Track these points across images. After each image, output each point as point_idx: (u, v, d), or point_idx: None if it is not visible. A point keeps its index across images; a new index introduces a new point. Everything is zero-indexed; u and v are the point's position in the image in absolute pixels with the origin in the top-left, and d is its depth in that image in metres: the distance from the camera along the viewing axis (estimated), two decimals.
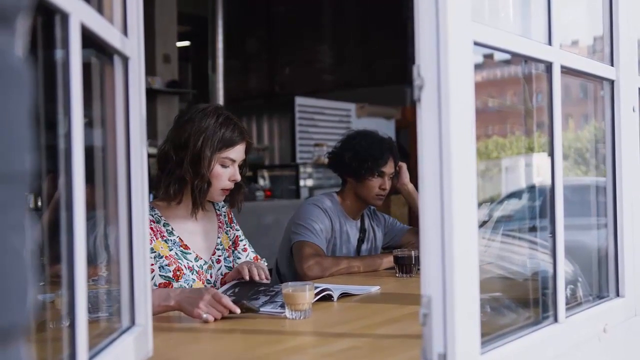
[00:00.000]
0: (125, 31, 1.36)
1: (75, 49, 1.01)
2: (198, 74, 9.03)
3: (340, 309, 2.12)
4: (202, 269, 2.31)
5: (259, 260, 2.52)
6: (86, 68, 1.08)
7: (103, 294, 1.52)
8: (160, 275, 2.21)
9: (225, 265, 2.41)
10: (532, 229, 1.93)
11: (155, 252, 2.21)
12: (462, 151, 1.17)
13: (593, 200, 2.03)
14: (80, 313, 1.02)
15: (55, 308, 1.51)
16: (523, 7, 1.85)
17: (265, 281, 2.22)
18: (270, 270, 3.15)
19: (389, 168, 3.00)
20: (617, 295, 1.84)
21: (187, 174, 2.23)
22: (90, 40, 1.13)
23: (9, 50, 0.54)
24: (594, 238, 1.99)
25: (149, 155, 1.54)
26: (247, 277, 2.19)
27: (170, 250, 2.26)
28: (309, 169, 7.53)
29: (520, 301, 1.74)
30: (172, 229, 2.30)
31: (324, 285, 2.21)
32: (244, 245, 2.52)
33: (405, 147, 7.22)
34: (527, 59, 1.62)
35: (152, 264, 2.19)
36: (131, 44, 1.38)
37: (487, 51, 1.37)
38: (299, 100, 8.04)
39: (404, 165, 3.13)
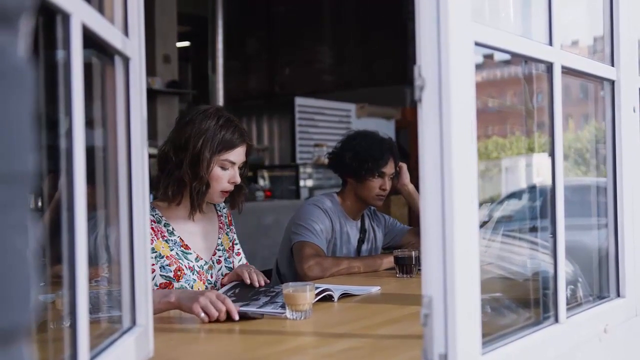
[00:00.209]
0: (126, 31, 1.36)
1: (77, 49, 1.01)
2: (198, 75, 9.04)
3: (341, 309, 2.12)
4: (202, 269, 2.31)
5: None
6: (87, 68, 1.08)
7: (104, 295, 1.52)
8: (160, 275, 2.21)
9: (225, 266, 2.41)
10: (532, 229, 1.94)
11: (156, 252, 2.21)
12: (463, 151, 1.18)
13: (593, 200, 2.03)
14: (82, 313, 1.02)
15: (56, 308, 1.51)
16: (523, 8, 1.85)
17: (262, 284, 2.23)
18: (270, 271, 3.17)
19: (389, 168, 3.00)
20: (618, 295, 1.84)
21: (186, 175, 2.23)
22: (91, 40, 1.13)
23: (12, 51, 0.54)
24: (594, 238, 1.99)
25: (149, 156, 1.54)
26: (248, 281, 2.20)
27: (171, 250, 2.26)
28: (309, 169, 7.53)
29: (521, 301, 1.74)
30: (172, 229, 2.30)
31: (325, 286, 2.22)
32: (238, 249, 2.52)
33: (405, 148, 7.23)
34: (527, 60, 1.62)
35: (153, 264, 2.19)
36: (132, 45, 1.38)
37: (487, 51, 1.37)
38: (299, 101, 8.04)
39: (404, 166, 3.13)
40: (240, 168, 2.33)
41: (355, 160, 2.97)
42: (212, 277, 2.35)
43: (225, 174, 2.28)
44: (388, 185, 3.01)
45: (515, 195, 2.95)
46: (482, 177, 1.24)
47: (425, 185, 1.17)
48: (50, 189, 1.23)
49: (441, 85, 1.15)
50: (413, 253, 2.70)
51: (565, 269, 1.55)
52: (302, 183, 7.41)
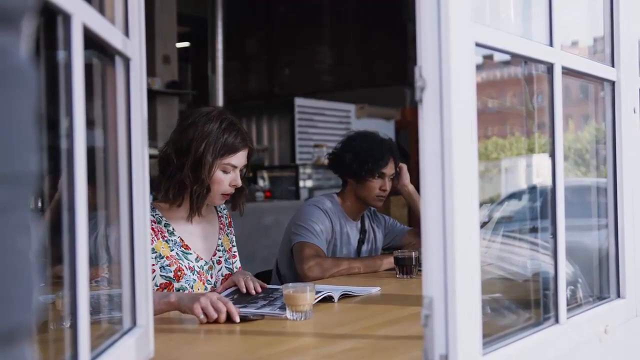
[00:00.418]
0: (126, 32, 1.36)
1: (78, 49, 1.01)
2: (198, 75, 9.04)
3: (341, 310, 2.12)
4: (202, 269, 2.31)
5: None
6: (88, 69, 1.08)
7: (104, 295, 1.52)
8: (161, 275, 2.21)
9: (225, 267, 2.41)
10: (532, 230, 1.94)
11: (156, 252, 2.21)
12: (464, 152, 1.18)
13: (593, 201, 2.03)
14: (82, 314, 1.02)
15: (56, 309, 1.51)
16: (524, 8, 1.85)
17: (259, 291, 2.22)
18: (269, 271, 3.17)
19: (389, 169, 3.00)
20: (618, 296, 1.84)
21: (187, 178, 2.23)
22: (91, 41, 1.13)
23: (14, 51, 0.54)
24: (594, 239, 1.99)
25: (149, 156, 1.54)
26: (244, 290, 2.19)
27: (171, 250, 2.26)
28: (309, 170, 7.53)
29: (521, 302, 1.74)
30: (173, 229, 2.30)
31: (324, 287, 2.21)
32: (234, 252, 2.52)
33: (404, 148, 7.23)
34: (528, 60, 1.62)
35: (153, 264, 2.19)
36: (132, 45, 1.38)
37: (486, 52, 1.37)
38: (299, 101, 8.04)
39: (404, 166, 3.12)
40: (240, 170, 2.33)
41: (355, 160, 2.97)
42: (212, 277, 2.35)
43: (226, 177, 2.28)
44: (388, 185, 3.01)
45: (514, 195, 2.95)
46: (482, 178, 1.24)
47: (426, 186, 1.17)
48: (50, 189, 1.23)
49: (442, 86, 1.15)
50: (413, 254, 2.70)
51: (565, 269, 1.55)
52: (301, 184, 7.41)
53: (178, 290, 2.21)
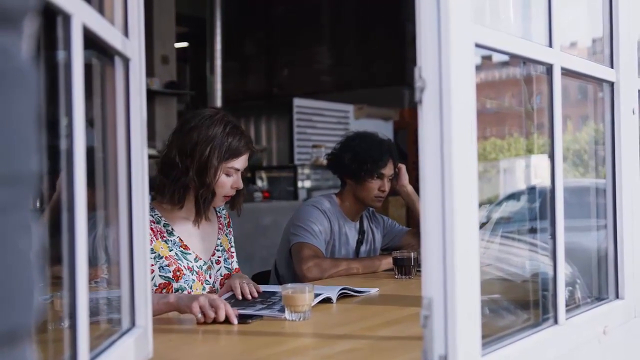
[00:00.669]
0: (126, 32, 1.36)
1: (77, 50, 1.01)
2: (196, 75, 9.04)
3: (340, 310, 2.12)
4: (201, 269, 2.31)
5: (240, 273, 2.51)
6: (87, 69, 1.08)
7: (103, 296, 1.52)
8: (160, 275, 2.21)
9: (224, 267, 2.41)
10: (531, 231, 1.94)
11: (155, 252, 2.21)
12: (464, 153, 1.18)
13: (591, 202, 2.03)
14: (82, 315, 1.02)
15: (54, 309, 1.51)
16: (523, 9, 1.85)
17: (255, 296, 2.20)
18: (268, 272, 3.17)
19: (388, 170, 3.00)
20: (617, 297, 1.84)
21: (192, 182, 2.23)
22: (91, 41, 1.13)
23: (16, 52, 0.54)
24: (592, 240, 1.99)
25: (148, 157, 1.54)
26: (240, 297, 2.16)
27: (170, 250, 2.25)
28: (307, 170, 7.53)
29: (520, 303, 1.74)
30: (172, 229, 2.30)
31: (324, 289, 2.21)
32: (232, 252, 2.51)
33: (403, 149, 7.23)
34: (527, 61, 1.62)
35: (152, 265, 2.19)
36: (132, 45, 1.38)
37: (485, 53, 1.37)
38: (297, 102, 8.04)
39: (403, 167, 3.12)
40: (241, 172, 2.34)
41: (354, 161, 2.97)
42: (210, 277, 2.35)
43: (229, 180, 2.29)
44: (387, 186, 3.01)
45: (513, 196, 2.95)
46: (480, 179, 1.24)
47: (426, 187, 1.17)
48: (48, 189, 1.22)
49: (442, 87, 1.15)
50: (412, 254, 2.70)
51: (564, 270, 1.55)
52: (300, 184, 7.41)
53: (177, 290, 2.21)
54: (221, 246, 2.43)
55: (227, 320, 1.88)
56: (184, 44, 9.71)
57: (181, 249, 2.28)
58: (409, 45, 8.40)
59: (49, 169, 1.04)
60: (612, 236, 1.86)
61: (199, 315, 1.86)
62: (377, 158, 2.96)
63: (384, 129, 7.04)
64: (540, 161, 1.78)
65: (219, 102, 7.50)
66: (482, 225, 1.99)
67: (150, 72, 7.25)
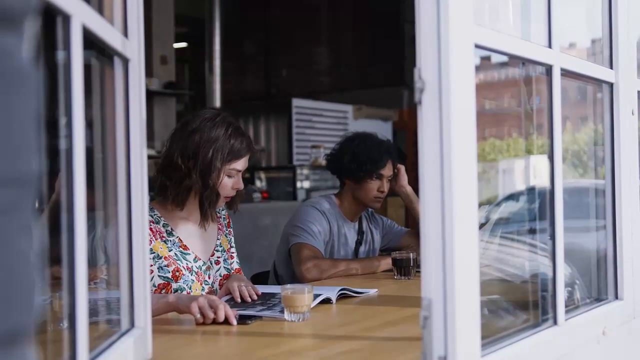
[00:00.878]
0: (125, 33, 1.36)
1: (77, 50, 1.00)
2: (195, 76, 9.03)
3: (339, 311, 2.12)
4: (200, 269, 2.31)
5: (241, 273, 2.50)
6: (86, 69, 1.08)
7: (102, 297, 1.51)
8: (159, 276, 2.21)
9: (224, 267, 2.41)
10: (530, 231, 1.94)
11: (154, 252, 2.21)
12: (463, 154, 1.18)
13: (590, 202, 2.03)
14: (81, 315, 1.02)
15: (52, 310, 1.51)
16: (523, 10, 1.85)
17: (255, 298, 2.19)
18: (267, 272, 3.17)
19: (387, 170, 3.00)
20: (616, 298, 1.84)
21: (196, 185, 2.24)
22: (90, 41, 1.12)
23: (17, 52, 0.54)
24: (591, 241, 1.99)
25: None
26: (239, 300, 2.14)
27: (170, 250, 2.25)
28: (306, 171, 7.52)
29: (519, 304, 1.74)
30: (171, 229, 2.30)
31: (323, 290, 2.21)
32: (232, 252, 2.51)
33: (402, 150, 7.21)
34: (527, 62, 1.62)
35: (151, 265, 2.19)
36: (131, 46, 1.37)
37: (484, 53, 1.37)
38: (296, 102, 8.03)
39: (402, 168, 3.12)
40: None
41: (353, 162, 2.97)
42: (209, 278, 2.34)
43: (230, 181, 2.30)
44: (386, 187, 3.01)
45: (512, 197, 2.96)
46: (479, 179, 1.24)
47: (425, 188, 1.17)
48: (47, 190, 1.22)
49: (441, 88, 1.15)
50: (411, 255, 2.70)
51: (563, 271, 1.55)
52: (299, 184, 7.40)
53: (176, 290, 2.21)
54: (221, 246, 2.43)
55: (226, 321, 1.88)
56: (183, 45, 9.71)
57: (180, 249, 2.28)
58: (408, 45, 8.41)
59: (49, 169, 1.04)
60: (612, 237, 1.86)
61: (198, 316, 1.86)
62: (376, 159, 2.96)
63: (382, 130, 7.04)
64: (538, 162, 1.79)
65: (217, 103, 7.49)
66: (481, 226, 2.00)
67: (149, 72, 7.24)
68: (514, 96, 2.00)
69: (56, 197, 1.12)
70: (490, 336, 1.32)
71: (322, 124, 8.13)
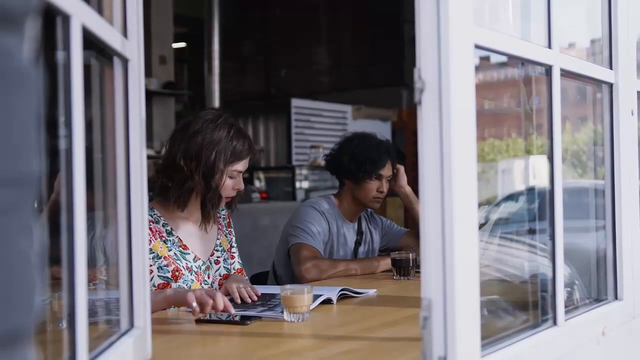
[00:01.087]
0: (125, 33, 1.36)
1: (77, 50, 1.00)
2: (194, 76, 9.03)
3: (339, 311, 2.12)
4: (200, 269, 2.31)
5: (243, 273, 2.50)
6: (86, 70, 1.07)
7: (101, 297, 1.51)
8: (158, 275, 2.21)
9: (224, 267, 2.41)
10: (529, 232, 1.94)
11: (153, 252, 2.21)
12: (463, 154, 1.17)
13: (589, 202, 2.03)
14: (81, 315, 1.01)
15: (52, 310, 1.51)
16: (523, 10, 1.85)
17: (255, 299, 2.18)
18: (266, 273, 3.17)
19: (386, 171, 3.00)
20: (616, 298, 1.84)
21: (199, 186, 2.24)
22: (90, 42, 1.12)
23: (18, 53, 0.54)
24: (591, 241, 1.99)
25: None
26: (239, 301, 2.13)
27: (169, 250, 2.26)
28: (305, 171, 7.52)
29: (519, 304, 1.74)
30: (171, 229, 2.30)
31: (323, 290, 2.21)
32: (233, 253, 2.51)
33: (401, 150, 7.21)
34: (527, 62, 1.62)
35: (151, 265, 2.19)
36: (131, 46, 1.37)
37: (483, 53, 1.36)
38: (295, 102, 8.03)
39: (401, 168, 3.12)
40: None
41: (352, 162, 2.97)
42: (209, 277, 2.35)
43: (232, 182, 2.31)
44: (385, 187, 3.01)
45: (512, 197, 2.95)
46: (479, 179, 1.24)
47: (425, 188, 1.17)
48: (46, 190, 1.22)
49: (441, 88, 1.15)
50: (410, 255, 2.70)
51: (562, 271, 1.55)
52: (298, 185, 7.39)
53: None
54: (220, 246, 2.43)
55: (225, 322, 1.88)
56: (182, 45, 9.70)
57: (180, 248, 2.29)
58: (408, 45, 8.41)
59: (48, 169, 1.04)
60: (611, 237, 1.86)
61: (194, 304, 1.85)
62: (375, 159, 2.96)
63: (382, 130, 7.04)
64: (538, 162, 1.79)
65: (216, 103, 7.49)
66: (481, 226, 2.00)
67: (148, 72, 7.23)
68: (513, 96, 1.99)
69: (55, 196, 1.11)
70: (490, 336, 1.32)
71: (322, 124, 8.13)
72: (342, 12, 9.67)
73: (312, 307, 1.97)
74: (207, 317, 1.91)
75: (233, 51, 9.40)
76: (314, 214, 2.95)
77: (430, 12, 1.16)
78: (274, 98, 9.79)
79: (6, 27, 0.53)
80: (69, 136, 1.00)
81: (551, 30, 1.53)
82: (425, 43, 1.16)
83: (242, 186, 2.34)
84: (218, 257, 2.41)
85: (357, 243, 3.11)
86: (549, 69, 1.53)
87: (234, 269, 2.47)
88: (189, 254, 2.30)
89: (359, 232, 3.13)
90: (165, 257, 2.23)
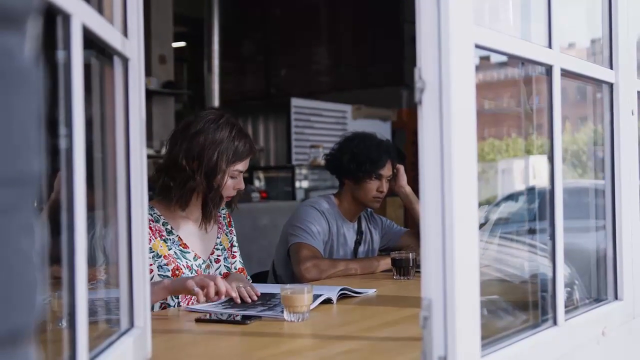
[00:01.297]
0: (125, 32, 1.36)
1: (77, 50, 1.00)
2: (194, 75, 9.03)
3: (339, 311, 2.12)
4: (200, 268, 2.31)
5: (244, 273, 2.50)
6: (86, 69, 1.07)
7: (101, 296, 1.51)
8: (158, 274, 2.21)
9: (224, 265, 2.41)
10: (529, 232, 1.94)
11: (153, 251, 2.21)
12: (463, 154, 1.17)
13: (589, 202, 2.03)
14: (81, 315, 1.01)
15: (52, 309, 1.51)
16: (523, 10, 1.85)
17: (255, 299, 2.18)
18: (266, 272, 3.17)
19: (386, 170, 3.01)
20: (616, 298, 1.84)
21: (200, 186, 2.24)
22: (90, 41, 1.12)
23: (19, 52, 0.54)
24: (591, 241, 1.99)
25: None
26: (239, 301, 2.11)
27: (170, 249, 2.26)
28: (305, 171, 7.52)
29: (519, 304, 1.74)
30: (171, 227, 2.30)
31: (323, 290, 2.21)
32: (234, 252, 2.51)
33: (401, 149, 7.21)
34: (527, 62, 1.62)
35: (151, 264, 2.19)
36: (131, 45, 1.37)
37: (484, 53, 1.36)
38: (295, 102, 8.03)
39: (401, 168, 3.12)
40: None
41: (352, 162, 2.97)
42: None
43: (233, 182, 2.31)
44: (385, 187, 3.01)
45: (511, 197, 2.95)
46: (478, 179, 1.24)
47: (425, 188, 1.17)
48: (46, 189, 1.22)
49: (441, 88, 1.15)
50: (410, 255, 2.70)
51: (562, 271, 1.55)
52: (297, 184, 7.40)
53: None
54: (221, 245, 2.43)
55: (225, 322, 1.88)
56: (182, 44, 9.70)
57: (180, 247, 2.29)
58: (408, 45, 8.41)
59: (48, 168, 1.03)
60: (611, 237, 1.86)
61: (196, 289, 1.86)
62: (375, 159, 2.96)
63: (382, 130, 7.04)
64: (538, 162, 1.78)
65: (216, 102, 7.49)
66: (481, 226, 2.00)
67: (147, 71, 7.20)
68: (513, 96, 1.99)
69: (55, 196, 1.11)
70: (490, 336, 1.32)
71: (321, 123, 8.13)
72: (342, 12, 9.66)
73: (312, 306, 1.97)
74: (207, 317, 1.91)
75: (233, 51, 9.40)
76: (314, 213, 2.95)
77: (430, 12, 1.16)
78: (273, 98, 9.79)
79: (7, 26, 0.53)
80: (69, 135, 1.00)
81: (551, 30, 1.53)
82: (425, 43, 1.16)
83: (242, 186, 2.34)
84: (218, 255, 2.41)
85: (357, 243, 3.11)
86: (549, 69, 1.53)
87: (235, 268, 2.47)
88: (189, 252, 2.30)
89: (359, 232, 3.13)
90: (165, 256, 2.24)
